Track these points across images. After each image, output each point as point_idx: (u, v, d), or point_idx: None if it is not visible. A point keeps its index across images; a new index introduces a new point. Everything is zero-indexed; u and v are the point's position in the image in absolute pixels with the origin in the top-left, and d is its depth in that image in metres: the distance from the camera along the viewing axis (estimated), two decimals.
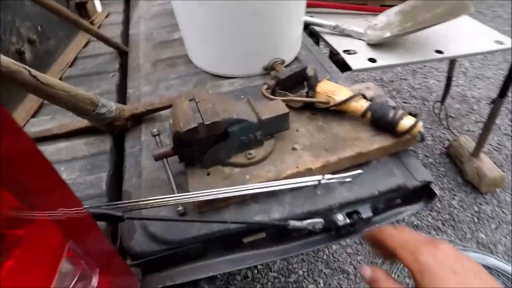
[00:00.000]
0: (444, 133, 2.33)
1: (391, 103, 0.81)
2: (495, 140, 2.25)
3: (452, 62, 1.99)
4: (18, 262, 0.29)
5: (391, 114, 0.72)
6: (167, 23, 1.50)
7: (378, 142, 0.75)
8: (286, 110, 0.71)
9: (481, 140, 1.83)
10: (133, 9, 1.74)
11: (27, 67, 0.60)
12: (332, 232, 0.75)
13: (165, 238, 0.67)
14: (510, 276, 1.55)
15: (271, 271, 1.68)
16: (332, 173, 0.72)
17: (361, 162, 0.76)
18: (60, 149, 0.89)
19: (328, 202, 0.71)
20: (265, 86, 0.83)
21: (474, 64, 2.97)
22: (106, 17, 1.64)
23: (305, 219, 0.68)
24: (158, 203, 0.61)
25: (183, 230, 0.67)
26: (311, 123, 0.81)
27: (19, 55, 1.04)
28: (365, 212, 0.71)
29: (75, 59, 1.30)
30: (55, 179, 0.36)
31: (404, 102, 2.61)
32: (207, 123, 0.60)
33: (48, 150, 0.89)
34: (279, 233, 0.73)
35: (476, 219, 1.85)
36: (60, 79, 1.16)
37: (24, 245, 0.31)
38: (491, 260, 1.61)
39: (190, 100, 0.67)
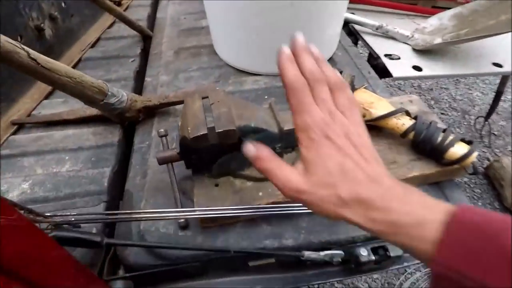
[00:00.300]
0: (484, 152, 2.13)
1: (440, 124, 0.69)
2: None
3: (506, 76, 1.79)
4: None
5: (439, 138, 0.61)
6: (196, 9, 1.42)
7: (419, 168, 0.63)
8: None
9: None
10: None
11: (26, 48, 0.53)
12: (352, 265, 0.65)
13: (162, 253, 0.59)
14: None
15: None
16: None
17: None
18: (68, 136, 0.83)
19: (352, 233, 0.61)
20: None
21: None
22: None
23: (323, 249, 0.59)
24: (157, 217, 0.54)
25: (182, 246, 0.59)
26: None
27: (38, 32, 0.99)
28: (394, 249, 0.60)
29: (98, 39, 1.24)
30: None
31: (442, 113, 2.41)
32: (219, 130, 0.51)
33: (55, 136, 0.83)
34: (290, 261, 0.64)
35: None
36: (79, 60, 1.12)
37: None
38: None
39: (203, 98, 0.59)
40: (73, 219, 0.46)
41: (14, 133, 0.85)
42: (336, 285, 1.58)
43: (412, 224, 0.29)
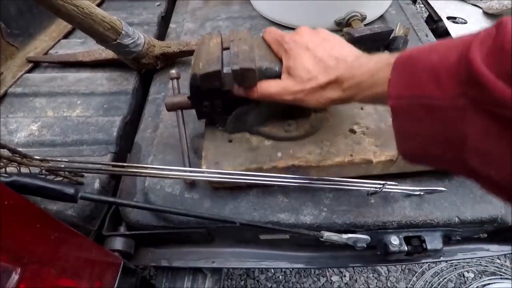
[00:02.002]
0: None
1: None
2: None
3: None
4: None
5: None
6: None
7: None
8: None
9: None
10: None
11: None
12: (378, 253, 0.57)
13: (166, 214, 0.54)
14: None
15: (300, 269, 1.56)
16: (397, 180, 0.51)
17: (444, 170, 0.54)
18: (81, 79, 0.78)
19: (383, 217, 0.51)
20: None
21: None
22: None
23: (346, 232, 0.50)
24: (161, 174, 0.47)
25: (187, 210, 0.53)
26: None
27: None
28: (433, 241, 0.50)
29: None
30: None
31: None
32: (235, 68, 0.42)
33: (69, 78, 0.78)
34: (307, 239, 0.56)
35: None
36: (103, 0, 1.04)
37: None
38: None
39: (223, 43, 0.49)
40: (62, 165, 0.41)
41: (29, 71, 0.81)
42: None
43: (369, 77, 0.35)
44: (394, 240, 0.51)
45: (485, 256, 0.57)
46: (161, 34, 0.94)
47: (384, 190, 0.49)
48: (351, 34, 0.62)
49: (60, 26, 0.92)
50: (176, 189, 0.56)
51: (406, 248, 0.50)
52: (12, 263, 0.26)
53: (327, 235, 0.48)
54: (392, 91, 0.31)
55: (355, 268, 1.48)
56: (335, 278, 1.49)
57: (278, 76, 0.45)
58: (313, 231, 0.47)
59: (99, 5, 1.02)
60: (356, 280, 1.47)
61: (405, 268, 1.51)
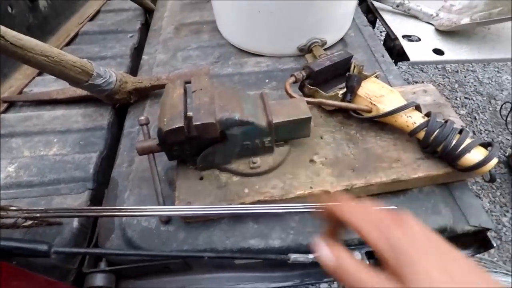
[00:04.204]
0: (508, 139, 2.00)
1: (457, 121, 0.61)
2: None
3: None
4: None
5: (454, 142, 0.53)
6: None
7: (425, 169, 0.57)
8: (308, 114, 0.54)
9: None
10: None
11: None
12: None
13: (144, 247, 0.57)
14: None
15: None
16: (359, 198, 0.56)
17: (396, 189, 0.59)
18: (57, 117, 0.80)
19: (345, 236, 0.56)
20: (292, 79, 0.66)
21: None
22: None
23: (312, 252, 0.54)
24: (138, 213, 0.50)
25: (163, 242, 0.56)
26: (341, 130, 0.64)
27: (31, 2, 0.94)
28: None
29: (98, 12, 1.19)
30: None
31: (466, 98, 2.26)
32: (197, 123, 0.46)
33: (45, 116, 0.80)
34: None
35: None
36: (76, 34, 1.07)
37: None
38: None
39: (186, 83, 0.53)
40: (37, 214, 0.43)
41: (5, 111, 0.83)
42: None
43: None
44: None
45: None
46: (134, 66, 0.97)
47: None
48: (310, 68, 0.67)
49: None
50: (152, 223, 0.59)
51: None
52: None
53: (293, 257, 0.52)
54: None
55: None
56: (323, 286, 1.53)
57: (237, 124, 0.49)
58: (280, 255, 0.51)
59: (72, 39, 1.05)
60: (343, 287, 1.51)
61: None
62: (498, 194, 1.79)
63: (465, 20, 0.97)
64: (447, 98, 2.25)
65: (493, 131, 2.06)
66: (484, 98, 2.25)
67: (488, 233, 0.58)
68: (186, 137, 0.50)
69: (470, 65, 2.49)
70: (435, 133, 0.55)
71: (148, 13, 1.19)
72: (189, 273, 0.63)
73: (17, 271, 0.31)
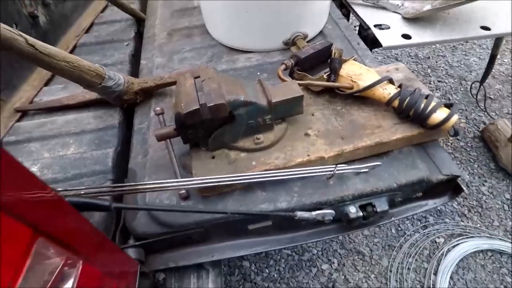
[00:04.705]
0: (480, 116, 2.16)
1: (424, 89, 0.72)
2: None
3: (499, 39, 1.78)
4: None
5: (422, 105, 0.64)
6: None
7: (402, 131, 0.67)
8: (300, 93, 0.64)
9: None
10: None
11: (23, 35, 0.56)
12: (343, 223, 0.71)
13: (167, 221, 0.65)
14: None
15: (285, 248, 1.67)
16: (347, 163, 0.66)
17: (380, 152, 0.70)
18: (69, 121, 0.88)
19: (341, 193, 0.66)
20: (283, 67, 0.76)
21: None
22: None
23: (315, 210, 0.64)
24: (159, 187, 0.59)
25: (185, 215, 0.65)
26: (329, 107, 0.74)
27: (32, 19, 1.01)
28: (381, 205, 0.65)
29: (92, 24, 1.26)
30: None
31: (439, 81, 2.42)
32: (210, 105, 0.55)
33: (58, 121, 0.88)
34: (286, 222, 0.69)
35: (506, 207, 1.75)
36: (75, 46, 1.14)
37: None
38: None
39: (195, 78, 0.62)
40: (82, 192, 0.51)
41: (19, 120, 0.89)
42: (339, 251, 1.66)
43: None
44: (352, 209, 0.65)
45: (424, 210, 0.72)
46: (134, 70, 1.05)
47: (337, 172, 0.64)
48: (297, 56, 0.77)
49: (41, 74, 1.01)
50: (173, 200, 0.67)
51: (361, 213, 0.65)
52: (76, 257, 0.37)
53: (299, 214, 0.62)
54: None
55: (338, 248, 1.63)
56: (325, 267, 1.63)
57: (243, 104, 0.58)
58: (288, 212, 0.61)
59: (71, 50, 1.12)
60: (344, 265, 1.62)
61: (385, 245, 1.67)
62: (476, 166, 1.94)
63: (427, 7, 1.09)
64: (421, 82, 2.41)
65: (466, 110, 2.22)
66: (455, 80, 2.41)
67: (460, 182, 0.70)
68: (200, 120, 0.58)
69: (440, 50, 2.66)
70: (407, 100, 0.65)
71: (139, 22, 1.27)
72: (208, 242, 0.71)
73: (93, 228, 0.40)
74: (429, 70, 2.51)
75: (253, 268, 1.63)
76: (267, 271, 1.62)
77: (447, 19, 1.15)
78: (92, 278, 0.40)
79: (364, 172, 0.67)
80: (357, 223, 0.67)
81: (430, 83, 2.40)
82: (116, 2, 1.16)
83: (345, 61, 0.76)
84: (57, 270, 0.33)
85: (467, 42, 2.69)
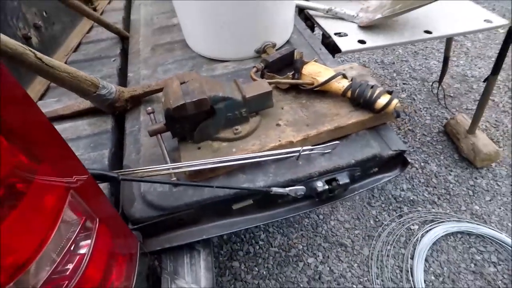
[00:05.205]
0: (442, 112, 2.36)
1: (372, 82, 0.86)
2: (493, 117, 2.27)
3: (449, 42, 2.00)
4: (23, 210, 0.37)
5: (369, 93, 0.78)
6: (167, 8, 1.55)
7: (356, 116, 0.81)
8: (269, 88, 0.77)
9: (476, 117, 1.87)
10: None
11: (32, 50, 0.67)
12: (315, 199, 0.82)
13: (161, 205, 0.75)
14: (503, 244, 1.63)
15: (272, 246, 1.76)
16: (313, 146, 0.79)
17: (340, 135, 0.82)
18: (66, 129, 0.97)
19: (309, 171, 0.78)
20: (254, 69, 0.89)
21: (476, 44, 2.95)
22: (109, 3, 1.69)
23: (288, 186, 0.75)
24: (153, 171, 0.69)
25: (176, 198, 0.75)
26: (296, 101, 0.87)
27: (26, 40, 1.11)
28: (343, 179, 0.78)
29: (79, 44, 1.36)
30: (59, 143, 0.43)
31: (404, 83, 2.62)
32: (194, 100, 0.66)
33: None
34: (265, 200, 0.80)
35: (471, 192, 1.91)
36: (65, 63, 1.23)
37: (28, 197, 0.38)
38: (484, 230, 1.70)
39: (181, 83, 0.74)
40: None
41: None
42: (322, 244, 1.76)
43: None
44: (319, 184, 0.77)
45: (380, 183, 0.85)
46: (122, 83, 1.15)
47: (304, 153, 0.76)
48: (266, 60, 0.91)
49: (34, 89, 1.10)
50: (166, 187, 0.77)
51: (327, 187, 0.77)
52: (92, 221, 0.47)
53: (275, 189, 0.73)
54: None
55: (322, 242, 1.73)
56: (310, 260, 1.73)
57: (222, 99, 0.70)
58: (264, 188, 0.72)
59: None
60: (328, 257, 1.72)
61: (365, 236, 1.79)
62: (442, 158, 2.11)
63: (378, 16, 1.26)
64: (388, 85, 2.61)
65: (430, 107, 2.42)
66: (419, 82, 2.63)
67: (406, 156, 0.83)
68: (186, 115, 0.70)
69: (403, 56, 2.90)
70: (357, 90, 0.79)
71: (123, 40, 1.38)
72: (198, 223, 0.81)
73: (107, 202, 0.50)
74: (394, 74, 2.72)
75: (243, 267, 1.71)
76: (257, 269, 1.70)
77: (396, 25, 1.32)
78: (106, 237, 0.50)
79: (328, 152, 0.79)
80: (325, 196, 0.79)
81: (396, 86, 2.61)
82: (101, 22, 1.28)
83: (307, 62, 0.90)
84: (81, 222, 0.43)
85: (426, 47, 2.94)
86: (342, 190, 0.79)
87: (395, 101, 0.77)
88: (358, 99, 0.80)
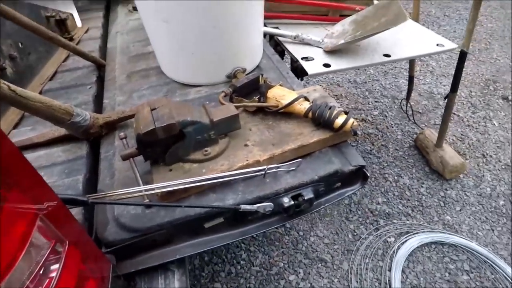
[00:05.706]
0: (412, 128, 2.48)
1: (332, 103, 0.93)
2: (458, 131, 2.41)
3: (412, 63, 2.15)
4: None
5: (327, 113, 0.84)
6: (142, 37, 1.61)
7: (317, 135, 0.87)
8: (235, 112, 0.82)
9: (441, 132, 1.98)
10: (112, 24, 1.84)
11: (6, 83, 0.70)
12: (283, 214, 0.87)
13: (134, 226, 0.77)
14: (474, 252, 1.70)
15: (253, 266, 1.78)
16: (278, 164, 0.84)
17: (304, 153, 0.88)
18: (40, 156, 0.98)
19: (275, 188, 0.82)
20: (223, 94, 0.95)
21: (440, 63, 3.15)
22: (86, 32, 1.74)
23: (256, 203, 0.79)
24: (126, 193, 0.72)
25: (149, 219, 0.78)
26: (263, 123, 0.93)
27: (0, 71, 1.13)
28: (308, 194, 0.83)
29: (55, 72, 1.39)
30: (29, 172, 0.46)
31: (376, 101, 2.76)
32: (163, 125, 0.71)
33: (29, 157, 0.98)
34: (235, 218, 0.84)
35: (442, 203, 2.00)
36: (40, 92, 1.26)
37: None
38: (456, 239, 1.77)
39: (151, 106, 0.78)
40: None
41: None
42: (303, 261, 1.79)
43: None
44: (286, 200, 0.81)
45: (343, 197, 0.90)
46: (98, 110, 1.19)
47: (269, 171, 0.81)
48: (234, 85, 0.97)
49: (8, 119, 1.11)
50: (138, 209, 0.80)
51: (293, 202, 0.81)
52: (61, 246, 0.50)
53: (243, 206, 0.77)
54: None
55: (302, 258, 1.76)
56: (292, 277, 1.75)
57: (190, 123, 0.74)
58: (233, 206, 0.76)
59: None
60: (309, 273, 1.75)
61: (344, 250, 1.83)
62: (414, 171, 2.21)
63: (341, 42, 1.36)
64: (361, 103, 2.73)
65: (401, 123, 2.54)
66: (389, 100, 2.77)
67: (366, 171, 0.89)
68: (156, 139, 0.74)
69: (375, 75, 3.05)
70: (317, 111, 0.86)
71: (99, 68, 1.43)
72: (171, 244, 0.83)
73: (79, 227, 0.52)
74: (367, 93, 2.86)
75: None
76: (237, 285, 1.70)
77: (358, 49, 1.43)
78: (76, 259, 0.52)
79: (293, 170, 0.84)
80: (292, 211, 0.83)
81: (368, 104, 2.74)
82: (77, 51, 1.32)
83: (272, 86, 0.97)
84: (51, 245, 0.46)
85: (395, 67, 3.12)
86: (307, 205, 0.83)
87: (351, 120, 0.84)
88: (319, 119, 0.86)
